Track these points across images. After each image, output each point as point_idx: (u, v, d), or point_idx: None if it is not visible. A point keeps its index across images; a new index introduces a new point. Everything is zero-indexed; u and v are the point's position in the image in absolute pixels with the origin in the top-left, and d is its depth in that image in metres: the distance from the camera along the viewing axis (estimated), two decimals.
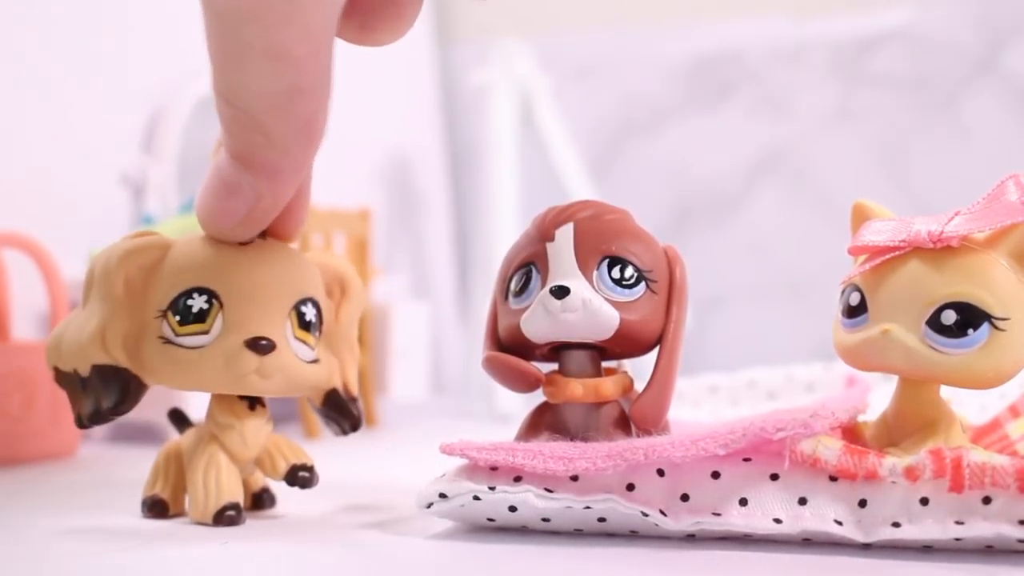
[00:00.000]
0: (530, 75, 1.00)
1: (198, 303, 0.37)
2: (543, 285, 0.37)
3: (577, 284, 0.36)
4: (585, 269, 0.37)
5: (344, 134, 1.07)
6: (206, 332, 0.37)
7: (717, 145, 1.14)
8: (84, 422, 0.37)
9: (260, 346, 0.37)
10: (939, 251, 0.33)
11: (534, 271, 0.37)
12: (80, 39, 0.77)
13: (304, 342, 0.39)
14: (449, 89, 1.27)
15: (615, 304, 0.36)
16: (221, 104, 0.33)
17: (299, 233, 0.39)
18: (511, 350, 0.38)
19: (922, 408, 0.35)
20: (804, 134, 1.12)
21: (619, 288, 0.37)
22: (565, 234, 0.37)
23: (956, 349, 0.33)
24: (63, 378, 0.38)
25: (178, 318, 0.37)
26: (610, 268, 0.37)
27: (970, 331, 0.33)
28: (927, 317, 0.33)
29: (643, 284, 0.37)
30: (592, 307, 0.36)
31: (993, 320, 0.33)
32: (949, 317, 0.33)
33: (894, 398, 0.36)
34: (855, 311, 0.35)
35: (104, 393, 0.37)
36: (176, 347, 0.37)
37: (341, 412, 0.41)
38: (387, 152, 1.15)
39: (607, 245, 0.37)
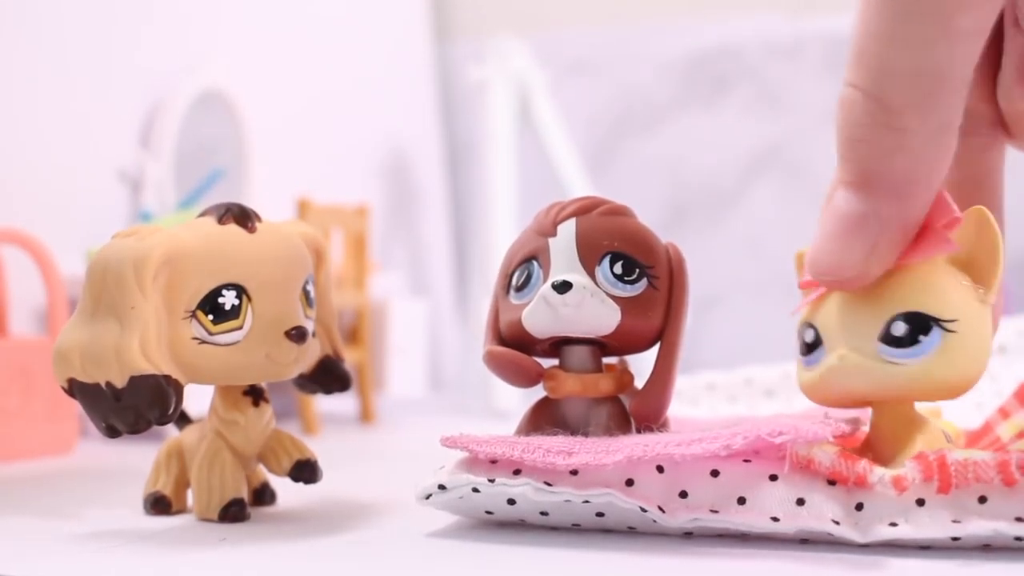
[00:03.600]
0: (527, 71, 1.00)
1: (229, 300, 0.37)
2: (545, 280, 0.37)
3: (579, 279, 0.36)
4: (587, 265, 0.37)
5: (342, 130, 1.07)
6: (240, 327, 0.37)
7: (714, 141, 1.14)
8: (119, 433, 0.36)
9: (298, 335, 0.37)
10: None
11: (536, 266, 0.38)
12: (77, 35, 0.76)
13: (310, 319, 0.39)
14: (447, 85, 1.27)
15: (617, 300, 0.36)
16: (853, 105, 0.31)
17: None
18: (512, 345, 0.38)
19: (899, 426, 0.35)
20: (801, 130, 1.12)
21: (621, 284, 0.37)
22: (567, 230, 0.37)
23: (912, 358, 0.33)
24: (83, 389, 0.36)
25: (212, 317, 0.36)
26: (612, 264, 0.37)
27: (922, 338, 0.33)
28: (879, 334, 0.33)
29: (645, 280, 0.37)
30: (593, 302, 0.36)
31: (942, 324, 0.33)
32: (899, 328, 0.33)
33: (872, 427, 0.36)
34: (811, 347, 0.35)
35: (146, 402, 0.35)
36: (213, 346, 0.37)
37: (334, 376, 0.42)
38: (385, 148, 1.15)
39: (609, 241, 0.37)
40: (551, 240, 0.37)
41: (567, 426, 0.37)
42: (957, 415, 0.41)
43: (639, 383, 0.38)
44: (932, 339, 0.33)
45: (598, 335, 0.37)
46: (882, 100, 0.30)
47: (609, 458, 0.33)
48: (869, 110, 0.30)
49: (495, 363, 0.38)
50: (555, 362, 0.38)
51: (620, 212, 0.38)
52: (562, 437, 0.35)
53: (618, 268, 0.37)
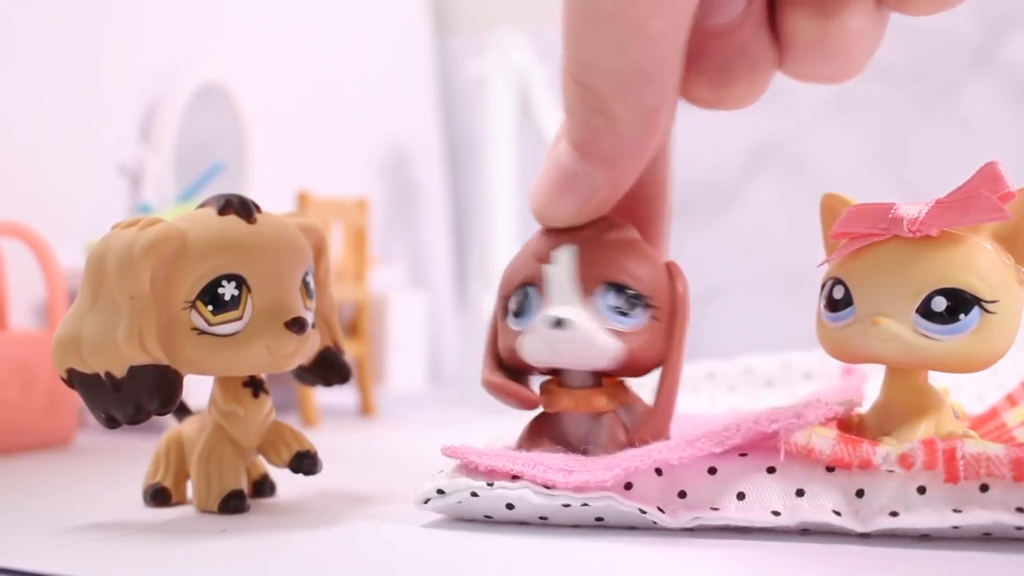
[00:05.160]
0: (527, 65, 1.00)
1: (229, 290, 0.36)
2: (542, 307, 0.36)
3: (575, 313, 0.36)
4: (585, 295, 0.36)
5: (343, 124, 1.07)
6: (239, 318, 0.37)
7: (714, 136, 1.14)
8: (118, 424, 0.36)
9: (298, 327, 0.37)
10: (921, 239, 0.33)
11: (533, 292, 0.37)
12: (78, 29, 0.76)
13: (310, 311, 0.39)
14: (447, 79, 1.27)
15: (615, 333, 0.36)
16: (568, 82, 0.33)
17: (663, 239, 0.39)
18: (511, 368, 0.38)
19: (911, 396, 0.35)
20: (801, 125, 1.12)
21: (619, 316, 0.36)
22: (564, 257, 0.36)
23: (948, 335, 0.33)
24: (83, 380, 0.36)
25: (211, 307, 0.36)
26: (610, 295, 0.36)
27: (961, 316, 0.33)
28: (917, 305, 0.33)
29: (644, 311, 0.36)
30: (591, 338, 0.35)
31: (983, 304, 0.33)
32: (940, 304, 0.33)
33: (883, 388, 0.36)
34: (840, 304, 0.35)
35: (146, 393, 0.35)
36: (212, 336, 0.36)
37: (334, 368, 0.42)
38: (385, 142, 1.15)
39: (607, 270, 0.36)
40: (547, 267, 0.37)
41: (567, 442, 0.37)
42: (955, 400, 0.41)
43: (637, 387, 0.38)
44: (971, 319, 0.33)
45: (596, 368, 0.36)
46: (589, 88, 0.32)
47: (608, 474, 0.33)
48: (579, 93, 0.33)
49: (492, 392, 0.38)
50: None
51: (619, 234, 0.37)
52: (562, 455, 0.35)
53: (616, 300, 0.36)
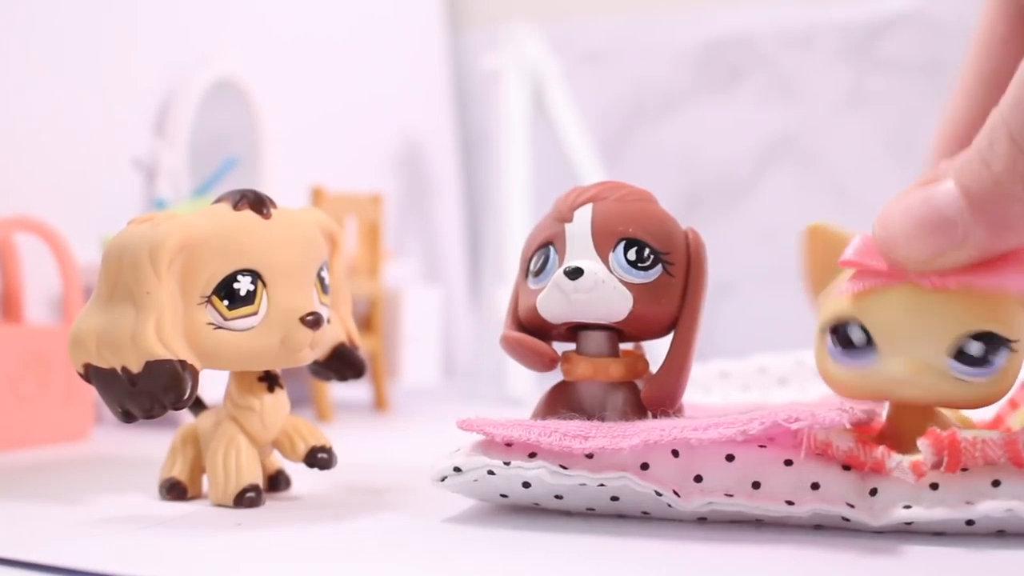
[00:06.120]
0: (541, 60, 1.00)
1: (244, 285, 0.37)
2: (560, 266, 0.37)
3: (591, 265, 0.36)
4: (601, 251, 0.37)
5: (357, 119, 1.07)
6: (255, 313, 0.37)
7: (728, 131, 1.14)
8: (134, 418, 0.36)
9: (313, 321, 0.37)
10: None
11: (552, 252, 0.38)
12: (92, 23, 0.77)
13: (325, 305, 0.39)
14: (460, 74, 1.27)
15: (629, 286, 0.36)
16: (1001, 137, 0.30)
17: None
18: (530, 329, 0.38)
19: (918, 423, 0.34)
20: (815, 119, 1.12)
21: (634, 270, 0.37)
22: (583, 215, 0.37)
23: (981, 377, 0.33)
24: (99, 374, 0.36)
25: (227, 302, 0.37)
26: (626, 250, 0.37)
27: (992, 358, 0.33)
28: (948, 349, 0.33)
29: (659, 267, 0.37)
30: (605, 289, 0.36)
31: (1010, 344, 0.33)
32: (974, 347, 0.33)
33: (889, 419, 0.36)
34: (858, 347, 0.34)
35: (161, 388, 0.36)
36: (228, 331, 0.37)
37: (348, 363, 0.42)
38: (399, 137, 1.15)
39: (624, 227, 0.37)
40: (567, 225, 0.37)
41: (583, 410, 0.37)
42: (963, 414, 0.41)
43: (655, 369, 0.38)
44: (1000, 359, 0.33)
45: (610, 321, 0.37)
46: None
47: (625, 442, 0.33)
48: (1011, 156, 0.30)
49: (510, 348, 0.38)
50: (574, 346, 0.38)
51: (640, 198, 0.38)
52: (578, 421, 0.35)
53: (632, 254, 0.37)
